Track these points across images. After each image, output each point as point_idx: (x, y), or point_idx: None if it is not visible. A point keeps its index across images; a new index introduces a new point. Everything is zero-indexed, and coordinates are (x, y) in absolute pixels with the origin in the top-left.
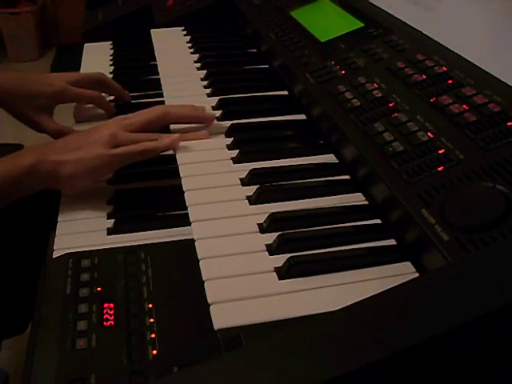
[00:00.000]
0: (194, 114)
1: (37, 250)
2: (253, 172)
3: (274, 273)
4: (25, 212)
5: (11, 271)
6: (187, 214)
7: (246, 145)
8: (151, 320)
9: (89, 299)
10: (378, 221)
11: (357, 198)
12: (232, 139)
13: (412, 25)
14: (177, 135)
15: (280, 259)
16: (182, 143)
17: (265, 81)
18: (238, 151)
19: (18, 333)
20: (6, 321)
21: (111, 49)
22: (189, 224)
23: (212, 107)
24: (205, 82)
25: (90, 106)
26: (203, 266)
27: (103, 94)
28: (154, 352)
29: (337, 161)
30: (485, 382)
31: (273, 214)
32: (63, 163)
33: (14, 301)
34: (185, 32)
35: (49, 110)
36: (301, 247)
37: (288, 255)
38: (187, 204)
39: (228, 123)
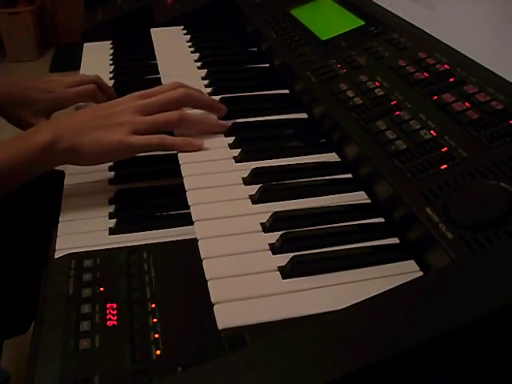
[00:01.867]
0: (211, 104)
1: (39, 250)
2: (255, 171)
3: (278, 272)
4: (26, 212)
5: (13, 271)
6: (189, 213)
7: (247, 144)
8: (154, 320)
9: (92, 299)
10: (381, 219)
11: (360, 197)
12: (233, 138)
13: (413, 23)
14: (200, 141)
15: (283, 258)
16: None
17: (266, 79)
18: (239, 150)
19: (20, 333)
20: (8, 321)
21: (111, 48)
22: (191, 223)
23: None
24: (205, 81)
25: None
26: (206, 265)
27: None
28: (158, 352)
29: (339, 159)
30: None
31: (275, 213)
32: (81, 143)
33: (15, 301)
34: (185, 31)
35: (46, 115)
36: (304, 246)
37: (291, 254)
38: (189, 203)
39: (229, 122)
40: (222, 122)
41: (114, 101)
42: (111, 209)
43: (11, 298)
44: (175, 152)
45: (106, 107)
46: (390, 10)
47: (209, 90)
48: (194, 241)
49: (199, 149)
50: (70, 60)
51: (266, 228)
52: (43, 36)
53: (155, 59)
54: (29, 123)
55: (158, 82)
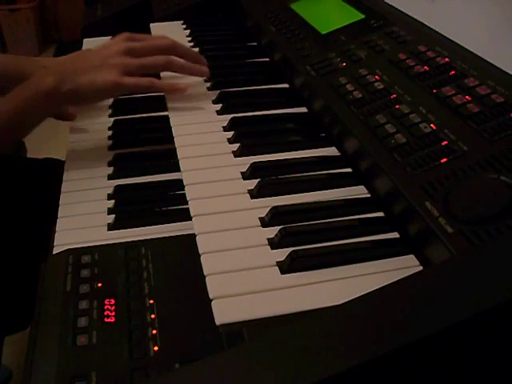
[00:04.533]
0: (194, 56)
1: (40, 245)
2: (254, 165)
3: (276, 267)
4: (25, 209)
5: (13, 267)
6: (188, 208)
7: (246, 138)
8: (152, 316)
9: (89, 295)
10: (381, 214)
11: (359, 191)
12: (233, 133)
13: (413, 16)
14: (184, 84)
15: (282, 253)
16: (182, 140)
17: (265, 74)
18: (238, 145)
19: (20, 329)
20: (8, 317)
21: None
22: (190, 219)
23: (212, 101)
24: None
25: None
26: (204, 260)
27: None
28: (156, 348)
29: (339, 154)
30: (491, 377)
31: (274, 207)
32: (79, 85)
33: (15, 297)
34: (184, 26)
35: None
36: (303, 241)
37: (290, 249)
38: (188, 198)
39: (229, 117)
40: (204, 68)
41: (105, 43)
42: (110, 204)
43: (11, 294)
44: (174, 147)
45: (98, 50)
46: (390, 3)
47: (208, 84)
48: (193, 236)
49: (184, 91)
50: None
51: (265, 223)
52: (44, 32)
53: None
54: None
55: (157, 77)
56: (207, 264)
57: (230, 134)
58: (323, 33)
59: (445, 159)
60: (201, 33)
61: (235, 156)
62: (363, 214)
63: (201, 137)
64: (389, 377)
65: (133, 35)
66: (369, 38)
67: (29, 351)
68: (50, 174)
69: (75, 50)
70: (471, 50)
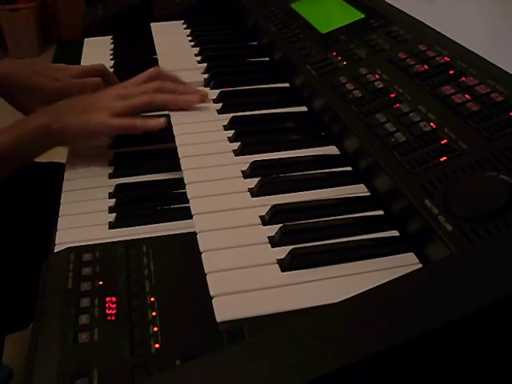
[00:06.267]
0: (186, 90)
1: (41, 244)
2: (254, 164)
3: (277, 265)
4: (26, 207)
5: (15, 266)
6: (189, 207)
7: (247, 137)
8: (153, 313)
9: (91, 293)
10: (381, 212)
11: (359, 190)
12: (233, 132)
13: (413, 15)
14: (163, 118)
15: (282, 251)
16: (183, 138)
17: (266, 73)
18: (239, 144)
19: (21, 328)
20: (9, 316)
21: (111, 43)
22: (191, 217)
23: (213, 100)
24: (205, 75)
25: None
26: (205, 258)
27: None
28: (157, 345)
29: (339, 152)
30: (491, 375)
31: (275, 206)
32: (69, 125)
33: (16, 296)
34: (185, 25)
35: (50, 102)
36: (303, 239)
37: (290, 247)
38: (189, 197)
39: (229, 116)
40: (191, 97)
41: (100, 91)
42: (111, 203)
43: (13, 293)
44: (175, 146)
45: (93, 94)
46: (390, 2)
47: (209, 84)
48: (194, 234)
49: (164, 125)
50: (72, 56)
51: (265, 221)
52: (45, 32)
53: (155, 54)
54: (31, 111)
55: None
56: (208, 262)
57: (231, 132)
58: (323, 32)
59: (444, 158)
60: (201, 32)
61: (236, 155)
62: (363, 212)
63: (201, 136)
64: (388, 373)
65: (124, 84)
66: (369, 37)
67: (30, 349)
68: (53, 176)
69: (75, 50)
70: (471, 49)
